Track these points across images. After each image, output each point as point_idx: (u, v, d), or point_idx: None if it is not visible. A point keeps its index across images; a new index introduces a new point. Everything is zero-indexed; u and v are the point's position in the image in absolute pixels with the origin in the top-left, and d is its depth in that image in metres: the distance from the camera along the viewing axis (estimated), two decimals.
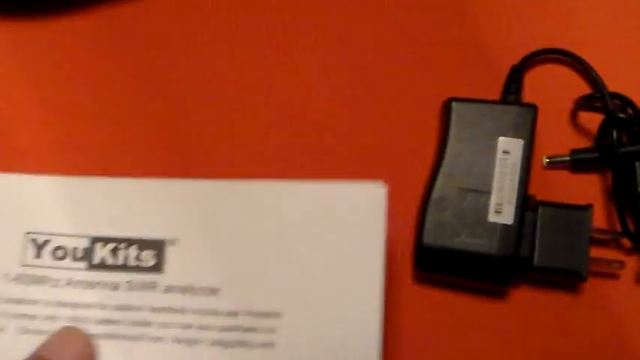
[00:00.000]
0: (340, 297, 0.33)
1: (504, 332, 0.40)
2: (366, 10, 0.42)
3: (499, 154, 0.39)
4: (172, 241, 0.34)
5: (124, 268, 0.34)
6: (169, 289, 0.34)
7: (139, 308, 0.34)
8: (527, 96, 0.41)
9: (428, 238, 0.39)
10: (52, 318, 0.34)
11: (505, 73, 0.41)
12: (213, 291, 0.34)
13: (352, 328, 0.33)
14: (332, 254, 0.34)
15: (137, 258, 0.34)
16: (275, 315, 0.33)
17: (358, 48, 0.42)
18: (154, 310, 0.34)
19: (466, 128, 0.39)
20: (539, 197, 0.40)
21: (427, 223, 0.39)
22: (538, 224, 0.39)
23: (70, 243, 0.34)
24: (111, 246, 0.34)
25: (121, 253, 0.34)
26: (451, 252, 0.38)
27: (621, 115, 0.39)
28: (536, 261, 0.38)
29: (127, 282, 0.34)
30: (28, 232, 0.35)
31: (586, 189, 0.41)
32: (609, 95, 0.40)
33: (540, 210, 0.39)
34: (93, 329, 0.33)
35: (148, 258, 0.34)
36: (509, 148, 0.39)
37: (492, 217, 0.38)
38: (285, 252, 0.34)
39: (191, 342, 0.33)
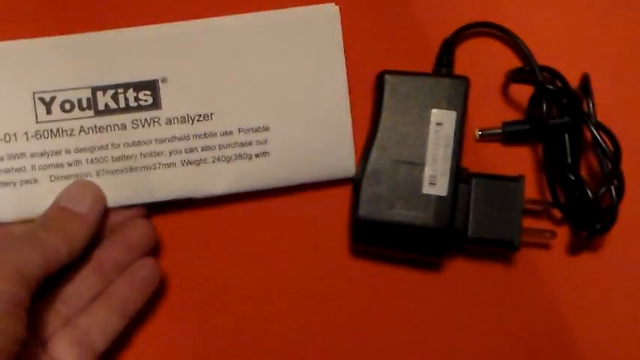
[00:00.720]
0: (314, 103, 0.40)
1: (440, 303, 0.41)
2: None
3: (432, 127, 0.39)
4: (163, 79, 0.39)
5: (127, 109, 0.39)
6: (170, 121, 0.39)
7: (147, 142, 0.39)
8: (459, 69, 0.41)
9: (363, 211, 0.39)
10: (75, 163, 0.39)
11: (437, 46, 0.41)
12: (207, 116, 0.39)
13: (327, 126, 0.40)
14: (302, 68, 0.40)
15: (136, 99, 0.39)
16: (264, 128, 0.39)
17: None
18: (161, 141, 0.39)
19: (399, 101, 0.39)
20: (472, 169, 0.40)
21: (362, 196, 0.39)
22: (472, 196, 0.39)
23: (73, 95, 0.39)
24: (110, 92, 0.39)
25: (121, 97, 0.39)
26: (387, 224, 0.39)
27: (551, 87, 0.40)
28: (470, 232, 0.39)
29: (132, 121, 0.39)
30: (35, 92, 0.38)
31: (518, 161, 0.41)
32: (539, 68, 0.40)
33: (473, 182, 0.39)
34: (111, 166, 0.39)
35: (146, 97, 0.39)
36: (442, 120, 0.39)
37: (426, 189, 0.39)
38: (263, 74, 0.39)
39: (198, 162, 0.39)
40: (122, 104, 0.39)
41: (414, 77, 0.39)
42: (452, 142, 0.39)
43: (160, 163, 0.39)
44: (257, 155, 0.39)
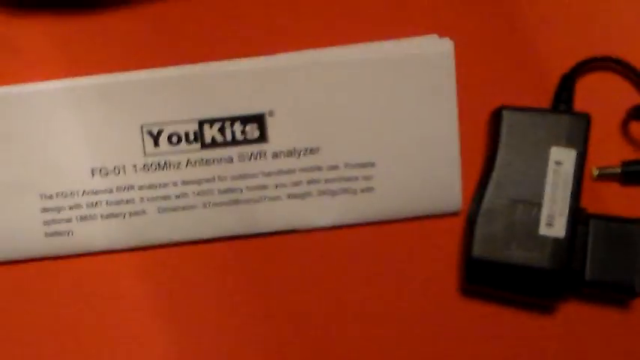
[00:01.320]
0: (422, 139, 0.39)
1: (552, 347, 0.39)
2: (421, 16, 0.41)
3: (551, 165, 0.38)
4: (271, 113, 0.39)
5: (233, 142, 0.39)
6: (276, 155, 0.39)
7: (253, 175, 0.39)
8: (578, 104, 0.39)
9: (478, 251, 0.38)
10: (182, 195, 0.39)
11: (555, 81, 0.40)
12: (314, 150, 0.39)
13: (435, 162, 0.39)
14: (411, 103, 0.39)
15: (242, 132, 0.39)
16: (370, 164, 0.39)
17: None
18: (267, 174, 0.39)
19: (517, 137, 0.38)
20: (588, 209, 0.38)
21: (477, 235, 0.38)
22: (590, 237, 0.38)
23: (181, 129, 0.39)
24: (217, 125, 0.39)
25: (228, 131, 0.39)
26: (502, 265, 0.37)
27: None
28: (587, 275, 0.37)
29: (238, 154, 0.39)
30: (143, 125, 0.38)
31: (637, 202, 0.40)
32: None
33: (592, 223, 0.38)
34: (217, 199, 0.39)
35: (252, 131, 0.39)
36: (561, 159, 0.38)
37: (543, 230, 0.37)
38: (370, 108, 0.39)
39: (304, 195, 0.39)
40: (229, 137, 0.39)
41: (532, 113, 0.38)
42: (571, 181, 0.38)
43: (265, 197, 0.39)
44: (362, 190, 0.39)
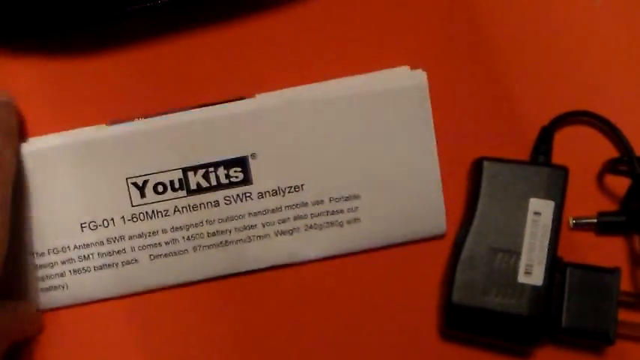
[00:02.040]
0: (403, 169, 0.40)
1: None
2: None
3: (530, 215, 0.39)
4: (253, 155, 0.40)
5: (218, 187, 0.40)
6: (261, 195, 0.40)
7: (240, 216, 0.40)
8: (556, 156, 0.41)
9: (457, 297, 0.39)
10: (172, 241, 0.40)
11: (534, 132, 0.41)
12: (298, 188, 0.40)
13: (417, 189, 0.40)
14: (390, 135, 0.40)
15: (227, 176, 0.40)
16: (355, 197, 0.40)
17: None
18: (254, 214, 0.40)
19: (497, 188, 0.39)
20: (564, 257, 0.40)
21: (457, 282, 0.39)
22: (566, 286, 0.39)
23: (165, 178, 0.40)
24: (201, 172, 0.40)
25: (212, 176, 0.40)
26: (480, 311, 0.39)
27: None
28: (564, 322, 0.39)
29: (224, 197, 0.40)
30: (128, 178, 0.39)
31: (611, 251, 0.41)
32: (637, 160, 0.40)
33: (569, 271, 0.39)
34: (207, 242, 0.40)
35: (237, 174, 0.40)
36: (540, 210, 0.39)
37: (522, 278, 0.38)
38: (351, 142, 0.40)
39: (291, 231, 0.40)
40: (213, 182, 0.40)
41: (512, 165, 0.40)
42: (549, 231, 0.39)
43: (254, 236, 0.40)
44: (349, 222, 0.40)
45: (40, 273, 0.40)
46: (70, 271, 0.40)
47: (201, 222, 0.40)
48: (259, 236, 0.40)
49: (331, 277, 0.41)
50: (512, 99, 0.42)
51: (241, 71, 0.41)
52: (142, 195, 0.39)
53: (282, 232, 0.40)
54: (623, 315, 0.39)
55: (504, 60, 0.42)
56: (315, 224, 0.40)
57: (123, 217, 0.40)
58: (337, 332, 0.41)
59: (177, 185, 0.40)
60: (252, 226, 0.40)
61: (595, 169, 0.42)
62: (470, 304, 0.39)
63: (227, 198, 0.40)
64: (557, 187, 0.39)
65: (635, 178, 0.40)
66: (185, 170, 0.39)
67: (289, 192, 0.40)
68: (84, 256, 0.40)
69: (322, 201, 0.40)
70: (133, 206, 0.40)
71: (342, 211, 0.40)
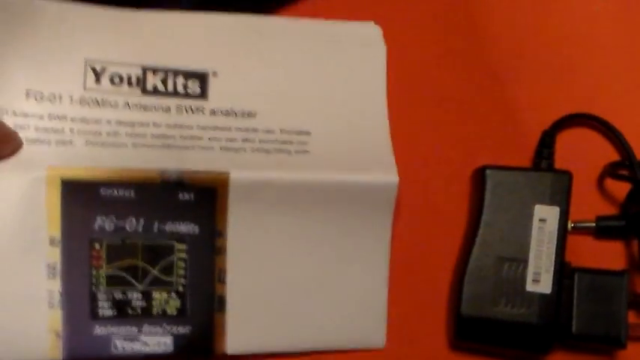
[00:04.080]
0: (354, 113, 0.40)
1: None
2: (399, 73, 0.42)
3: (535, 223, 0.39)
4: (214, 73, 0.39)
5: (174, 94, 0.39)
6: (214, 112, 0.39)
7: (189, 127, 0.39)
8: (557, 160, 0.40)
9: (467, 309, 0.38)
10: (114, 134, 0.38)
11: (533, 136, 0.41)
12: (251, 114, 0.40)
13: (369, 139, 0.40)
14: (345, 79, 0.40)
15: (184, 86, 0.39)
16: (305, 133, 0.40)
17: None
18: (202, 128, 0.39)
19: (501, 196, 0.39)
20: (572, 263, 0.39)
21: (465, 294, 0.39)
22: (575, 291, 0.39)
23: (124, 70, 0.39)
24: (161, 75, 0.39)
25: (170, 82, 0.39)
26: (491, 322, 0.38)
27: None
28: (574, 328, 0.38)
29: (176, 106, 0.39)
30: (87, 60, 0.38)
31: (610, 255, 0.41)
32: (638, 164, 0.40)
33: (577, 277, 0.39)
34: (149, 142, 0.38)
35: (194, 87, 0.39)
36: (545, 216, 0.39)
37: (530, 287, 0.38)
38: (308, 81, 0.40)
39: (237, 149, 0.39)
40: (170, 88, 0.39)
41: (515, 172, 0.39)
42: (555, 238, 0.39)
43: (197, 146, 0.39)
44: (297, 152, 0.39)
45: None
46: None
47: (148, 123, 0.39)
48: (203, 147, 0.39)
49: None
50: (513, 103, 0.42)
51: None
52: (97, 81, 0.38)
53: (227, 149, 0.39)
54: (633, 317, 0.39)
55: (503, 65, 0.42)
56: (262, 148, 0.39)
57: (71, 97, 0.38)
58: None
59: (134, 81, 0.39)
60: (198, 138, 0.39)
61: (595, 173, 0.41)
62: (479, 315, 0.38)
63: (179, 107, 0.39)
64: (561, 193, 0.39)
65: (635, 182, 0.39)
66: (145, 69, 0.39)
67: (242, 116, 0.39)
68: (20, 124, 0.37)
69: (273, 131, 0.40)
70: (84, 89, 0.38)
71: (291, 142, 0.40)
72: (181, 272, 0.38)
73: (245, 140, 0.39)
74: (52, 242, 0.37)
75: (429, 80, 0.41)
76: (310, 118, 0.40)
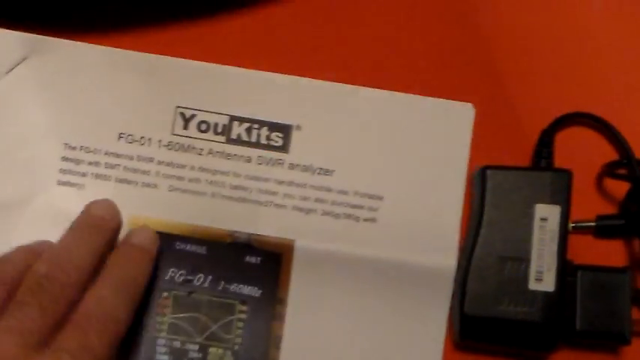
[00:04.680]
0: (429, 191, 0.40)
1: None
2: (392, 74, 0.42)
3: (536, 222, 0.39)
4: (298, 127, 0.41)
5: (257, 144, 0.41)
6: (292, 167, 0.41)
7: (266, 179, 0.41)
8: (557, 159, 0.41)
9: (470, 308, 0.39)
10: (195, 180, 0.41)
11: (532, 136, 0.41)
12: (328, 172, 0.41)
13: (437, 219, 0.40)
14: (427, 154, 0.41)
15: (267, 138, 0.41)
16: (378, 197, 0.40)
17: None
18: (279, 182, 0.41)
19: (502, 196, 0.39)
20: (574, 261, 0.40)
21: (468, 293, 0.39)
22: (578, 289, 0.39)
23: (212, 119, 0.41)
24: (246, 125, 0.41)
25: (254, 132, 0.41)
26: (494, 321, 0.39)
27: None
28: (578, 325, 0.39)
29: (258, 156, 0.41)
30: (178, 107, 0.41)
31: (610, 254, 0.41)
32: (637, 163, 0.40)
33: (580, 274, 0.39)
34: (227, 192, 0.40)
35: (277, 139, 0.41)
36: (546, 215, 0.39)
37: (533, 285, 0.38)
38: (389, 148, 0.41)
39: (308, 211, 0.40)
40: (254, 139, 0.41)
41: (515, 172, 0.40)
42: (557, 236, 0.39)
43: (272, 202, 0.41)
44: (365, 219, 0.40)
45: (64, 165, 0.41)
46: (92, 174, 0.41)
47: (229, 172, 0.41)
48: (276, 204, 0.40)
49: None
50: (511, 103, 0.42)
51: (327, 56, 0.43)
52: (185, 127, 0.41)
53: (299, 209, 0.40)
54: (636, 313, 0.39)
55: (502, 64, 0.42)
56: (332, 212, 0.40)
57: (160, 140, 0.41)
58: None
59: (220, 129, 0.41)
60: (273, 193, 0.41)
61: (594, 172, 0.42)
62: (483, 314, 0.39)
63: (260, 158, 0.41)
64: (561, 192, 0.39)
65: (634, 181, 0.40)
66: (232, 118, 0.41)
67: (319, 173, 0.41)
68: (111, 164, 0.41)
69: (347, 192, 0.40)
70: (172, 134, 0.41)
71: (362, 207, 0.40)
72: (239, 332, 0.40)
73: (317, 200, 0.40)
74: None
75: (427, 83, 0.42)
76: (385, 184, 0.40)
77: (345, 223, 0.40)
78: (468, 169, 0.41)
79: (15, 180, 0.40)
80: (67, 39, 0.41)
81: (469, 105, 0.41)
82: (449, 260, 0.40)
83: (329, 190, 0.40)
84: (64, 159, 0.41)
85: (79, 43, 0.41)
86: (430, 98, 0.41)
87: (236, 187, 0.40)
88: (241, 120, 0.41)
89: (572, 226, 0.40)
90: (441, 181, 0.40)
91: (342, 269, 0.40)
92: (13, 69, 0.41)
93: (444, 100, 0.41)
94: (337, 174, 0.41)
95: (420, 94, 0.41)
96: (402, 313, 0.40)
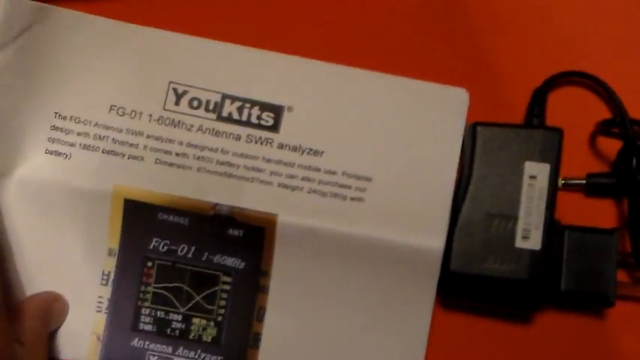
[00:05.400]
0: (420, 174, 0.40)
1: (530, 356, 0.40)
2: (383, 35, 0.42)
3: (526, 179, 0.38)
4: (289, 108, 0.40)
5: (247, 123, 0.40)
6: (282, 146, 0.40)
7: (254, 157, 0.40)
8: (550, 118, 0.40)
9: (455, 265, 0.38)
10: (182, 155, 0.40)
11: (527, 96, 0.41)
12: (317, 153, 0.40)
13: (428, 202, 0.39)
14: (418, 138, 0.40)
15: (258, 117, 0.40)
16: (367, 178, 0.40)
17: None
18: (267, 160, 0.40)
19: (492, 153, 0.39)
20: (561, 221, 0.39)
21: (455, 249, 0.38)
22: (565, 249, 0.39)
23: (204, 96, 0.41)
24: (238, 104, 0.40)
25: (246, 111, 0.40)
26: (479, 278, 0.38)
27: None
28: (563, 286, 0.38)
29: (247, 135, 0.40)
30: (171, 82, 0.40)
31: (599, 213, 0.41)
32: (630, 121, 0.39)
33: (566, 234, 0.39)
34: (213, 167, 0.40)
35: (268, 119, 0.40)
36: (535, 173, 0.38)
37: (520, 243, 0.38)
38: (382, 131, 0.40)
39: (294, 188, 0.40)
40: (244, 118, 0.40)
41: (506, 128, 0.39)
42: (545, 195, 0.38)
43: (258, 178, 0.40)
44: (352, 199, 0.40)
45: (53, 134, 0.40)
46: (80, 144, 0.40)
47: (217, 149, 0.40)
48: (262, 180, 0.40)
49: None
50: (504, 61, 0.42)
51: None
52: (177, 103, 0.40)
53: (285, 186, 0.40)
54: (622, 276, 0.39)
55: (493, 22, 0.42)
56: (319, 190, 0.40)
57: (151, 115, 0.40)
58: None
59: (211, 107, 0.40)
60: (260, 170, 0.40)
61: (587, 131, 0.41)
62: (468, 272, 0.38)
63: (250, 136, 0.40)
64: (552, 150, 0.39)
65: (627, 139, 0.39)
66: (225, 96, 0.40)
67: (308, 153, 0.40)
68: (99, 135, 0.40)
69: (335, 172, 0.40)
70: (164, 109, 0.40)
71: (349, 187, 0.40)
72: (222, 303, 0.40)
73: (305, 179, 0.40)
74: (109, 253, 0.40)
75: (420, 42, 0.41)
76: (375, 166, 0.40)
77: (331, 202, 0.40)
78: (459, 154, 0.40)
79: (3, 147, 0.40)
80: (67, 8, 0.41)
81: (463, 90, 0.40)
82: (438, 242, 0.39)
83: (317, 169, 0.40)
84: (54, 128, 0.40)
85: (78, 12, 0.40)
86: (423, 82, 0.40)
87: (222, 163, 0.40)
88: (233, 99, 0.40)
89: (563, 183, 0.40)
90: (433, 166, 0.40)
91: (327, 245, 0.39)
92: (19, 36, 0.40)
93: (439, 85, 0.40)
94: (327, 155, 0.40)
95: (413, 78, 0.40)
96: (388, 290, 0.39)
